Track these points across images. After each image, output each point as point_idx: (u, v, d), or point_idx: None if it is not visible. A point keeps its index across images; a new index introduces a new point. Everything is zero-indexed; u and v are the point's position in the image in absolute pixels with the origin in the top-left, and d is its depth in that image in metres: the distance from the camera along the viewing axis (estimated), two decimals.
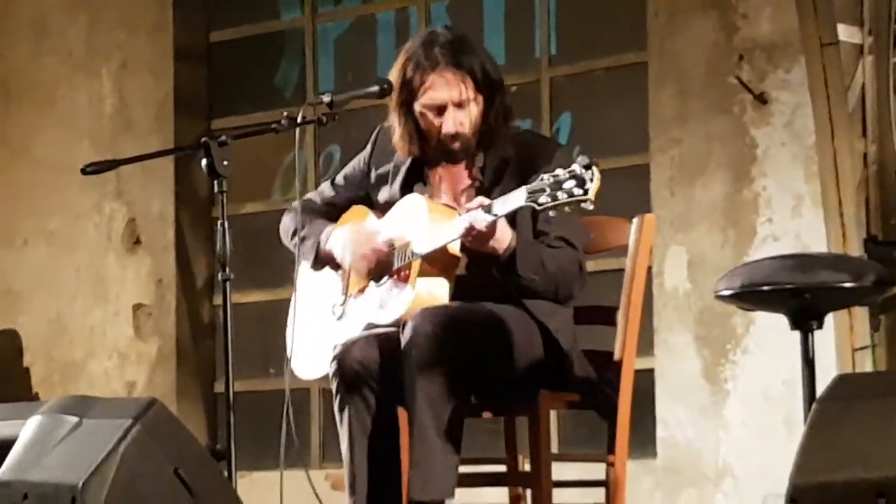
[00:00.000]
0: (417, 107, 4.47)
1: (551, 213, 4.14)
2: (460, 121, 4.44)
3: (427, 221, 4.41)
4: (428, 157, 4.56)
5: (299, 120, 4.68)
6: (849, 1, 6.24)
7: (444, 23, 7.55)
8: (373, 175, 4.66)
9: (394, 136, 4.57)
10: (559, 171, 4.07)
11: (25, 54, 8.28)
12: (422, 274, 4.41)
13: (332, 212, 4.71)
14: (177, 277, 8.01)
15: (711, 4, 6.61)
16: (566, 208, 4.07)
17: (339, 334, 4.54)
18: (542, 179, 4.09)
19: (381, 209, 4.61)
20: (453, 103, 4.43)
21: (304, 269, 4.76)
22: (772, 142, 6.48)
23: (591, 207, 4.08)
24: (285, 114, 4.72)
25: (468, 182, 4.52)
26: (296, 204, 4.75)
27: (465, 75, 4.41)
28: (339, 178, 4.76)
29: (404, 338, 4.28)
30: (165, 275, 8.01)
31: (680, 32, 6.68)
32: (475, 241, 4.26)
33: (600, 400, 4.58)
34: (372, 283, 4.56)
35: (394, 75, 4.52)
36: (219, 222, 4.59)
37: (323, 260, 4.65)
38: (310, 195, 4.79)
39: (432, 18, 7.57)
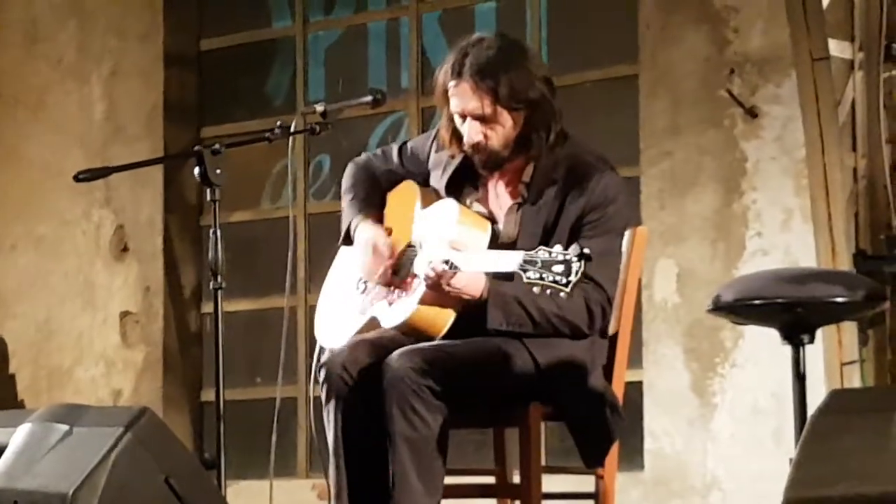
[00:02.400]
0: (452, 107, 4.47)
1: (535, 290, 4.13)
2: (482, 133, 4.40)
3: (447, 241, 4.40)
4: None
5: (292, 129, 4.69)
6: (840, 17, 6.26)
7: (434, 34, 7.58)
8: (433, 159, 4.63)
9: (441, 131, 4.55)
10: (556, 251, 4.04)
11: (15, 59, 8.27)
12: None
13: (391, 179, 4.68)
14: (164, 285, 8.00)
15: (703, 18, 6.62)
16: (547, 290, 4.07)
17: (353, 313, 4.54)
18: (539, 253, 4.07)
19: (431, 191, 4.59)
20: (472, 115, 4.41)
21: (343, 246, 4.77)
22: (762, 155, 6.49)
23: (564, 297, 4.09)
24: (278, 123, 4.73)
25: (513, 196, 4.50)
26: (364, 157, 4.75)
27: (486, 91, 4.36)
28: (407, 149, 4.71)
29: (384, 377, 4.28)
30: (153, 282, 8.01)
31: (671, 45, 6.69)
32: (434, 288, 4.29)
33: (600, 433, 4.55)
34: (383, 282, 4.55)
35: (438, 73, 4.49)
36: (211, 231, 4.60)
37: (350, 238, 4.64)
38: (377, 153, 4.75)
39: (424, 29, 7.58)
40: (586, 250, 4.03)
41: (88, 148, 7.97)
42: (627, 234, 4.73)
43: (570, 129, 4.56)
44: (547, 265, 4.03)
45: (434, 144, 4.63)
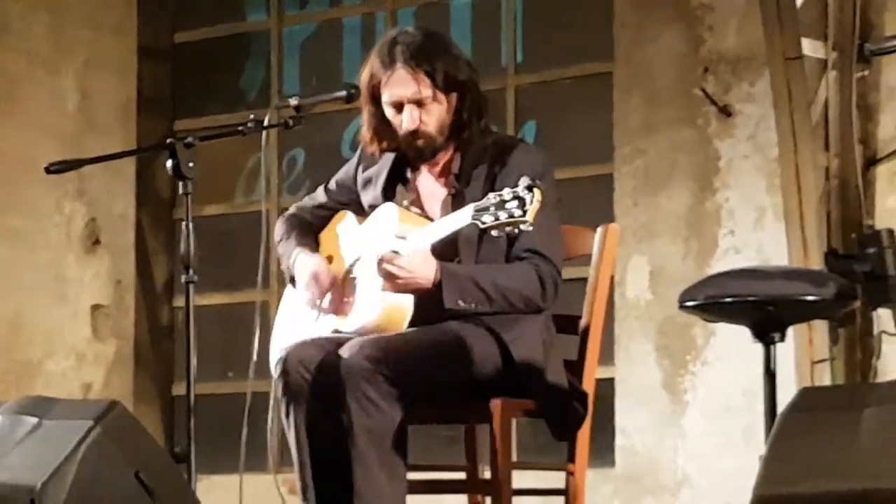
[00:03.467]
0: (383, 101, 4.51)
1: (494, 233, 4.17)
2: (419, 118, 4.46)
3: (395, 232, 4.43)
4: (408, 158, 4.58)
5: (266, 123, 4.70)
6: (813, 16, 6.27)
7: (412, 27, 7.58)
8: (360, 179, 4.67)
9: (362, 130, 4.59)
10: (505, 192, 4.10)
11: None
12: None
13: (324, 215, 4.72)
14: (136, 278, 7.99)
15: (678, 16, 6.63)
16: (507, 228, 4.10)
17: (310, 328, 4.57)
18: (488, 198, 4.13)
19: (368, 212, 4.62)
20: (410, 100, 4.46)
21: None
22: (735, 154, 6.51)
23: (529, 228, 4.11)
24: (252, 116, 4.74)
25: (445, 188, 4.54)
26: (291, 209, 4.80)
27: (423, 74, 4.43)
28: (332, 184, 4.77)
29: (342, 367, 4.29)
30: (125, 276, 7.99)
31: (646, 43, 6.70)
32: (389, 278, 4.31)
33: (567, 410, 4.57)
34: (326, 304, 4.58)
35: (363, 72, 4.56)
36: (183, 224, 4.60)
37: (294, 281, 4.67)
38: (304, 201, 4.82)
39: (399, 23, 7.57)
40: (536, 181, 4.08)
41: (61, 140, 7.94)
42: (599, 231, 4.76)
43: (546, 125, 4.62)
44: (500, 205, 4.10)
45: (360, 166, 4.67)
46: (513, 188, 4.11)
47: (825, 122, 6.30)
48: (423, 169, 4.57)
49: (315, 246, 4.68)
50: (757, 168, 6.44)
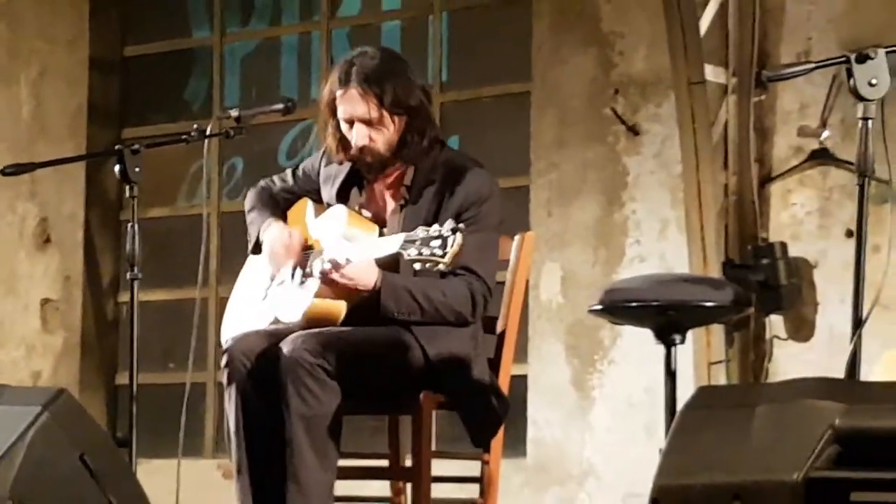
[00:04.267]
0: (339, 116, 4.50)
1: (416, 266, 4.17)
2: (369, 136, 4.45)
3: (340, 236, 4.44)
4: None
5: (208, 132, 4.68)
6: (715, 44, 6.31)
7: (343, 48, 7.57)
8: (322, 174, 4.66)
9: (327, 140, 4.59)
10: (433, 229, 4.10)
11: None
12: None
13: (288, 198, 4.71)
14: (84, 275, 7.94)
15: (591, 41, 6.66)
16: (427, 264, 4.11)
17: (255, 316, 4.57)
18: (416, 232, 4.13)
19: (325, 205, 4.63)
20: (359, 119, 4.45)
21: (250, 255, 4.78)
22: (642, 170, 6.53)
23: (444, 269, 4.13)
24: (195, 126, 4.72)
25: (397, 199, 4.54)
26: (262, 182, 4.75)
27: (372, 96, 4.42)
28: (300, 171, 4.75)
29: (281, 360, 4.29)
30: (73, 272, 7.94)
31: (561, 65, 6.72)
32: (328, 283, 4.32)
33: (486, 416, 4.57)
34: (288, 276, 4.57)
35: (324, 87, 4.56)
36: (129, 225, 4.58)
37: (259, 246, 4.66)
38: (274, 178, 4.78)
39: (333, 43, 7.57)
40: (461, 225, 4.10)
41: (15, 145, 7.89)
42: (516, 239, 4.77)
43: (468, 139, 4.61)
44: (425, 241, 4.09)
45: (323, 161, 4.67)
46: (440, 227, 4.11)
47: (725, 142, 6.34)
48: (378, 179, 4.57)
49: (284, 221, 4.67)
50: (661, 183, 6.47)
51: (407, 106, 4.45)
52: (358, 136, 4.45)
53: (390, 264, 4.38)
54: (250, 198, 4.74)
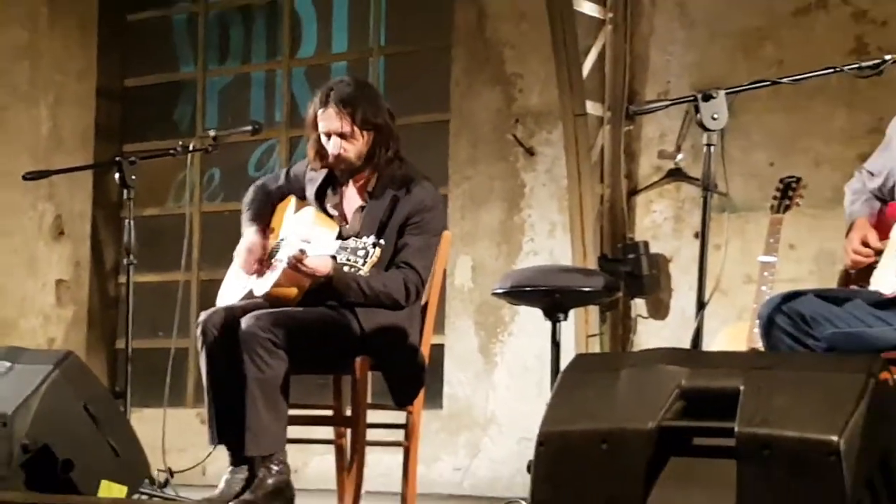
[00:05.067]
0: (319, 132, 4.50)
1: (345, 269, 4.17)
2: (343, 147, 4.44)
3: (308, 229, 4.43)
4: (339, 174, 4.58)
5: (191, 148, 4.67)
6: (595, 84, 6.34)
7: (301, 82, 7.56)
8: (307, 177, 4.66)
9: (308, 150, 4.58)
10: (360, 241, 4.11)
11: None
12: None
13: (280, 193, 4.68)
14: (90, 261, 7.89)
15: (497, 81, 6.68)
16: (350, 269, 4.12)
17: (239, 287, 4.55)
18: (348, 242, 4.13)
19: (307, 201, 4.63)
20: (336, 133, 4.44)
21: None
22: (536, 183, 6.56)
23: (364, 274, 4.13)
24: (180, 143, 4.70)
25: (360, 201, 4.54)
26: (261, 180, 4.73)
27: (346, 115, 4.42)
28: (290, 173, 4.73)
29: (240, 334, 4.27)
30: (82, 258, 7.89)
31: (473, 100, 6.74)
32: (294, 268, 4.31)
33: (409, 382, 4.57)
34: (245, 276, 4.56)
35: (310, 106, 4.54)
36: (127, 221, 4.57)
37: None
38: (269, 177, 4.76)
39: (293, 78, 7.55)
40: (381, 241, 4.11)
41: (36, 156, 7.81)
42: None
43: (404, 157, 4.61)
44: (353, 251, 4.10)
45: (309, 166, 4.66)
46: (365, 241, 4.12)
47: (601, 162, 6.37)
48: (350, 182, 4.57)
49: (267, 218, 4.63)
50: (551, 194, 6.49)
51: (374, 124, 4.45)
52: (333, 147, 4.45)
53: None
54: (249, 194, 4.70)
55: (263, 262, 4.51)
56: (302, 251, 4.28)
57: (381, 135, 4.48)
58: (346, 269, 4.10)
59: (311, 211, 4.51)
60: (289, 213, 4.62)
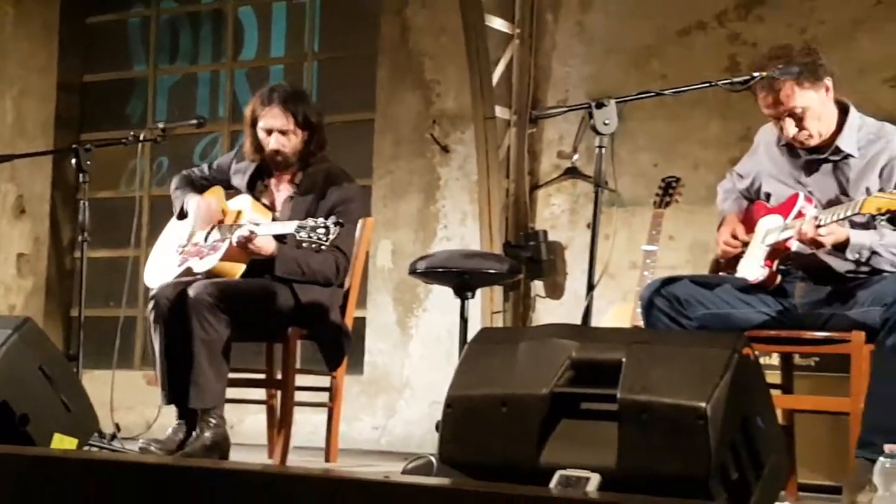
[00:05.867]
0: (258, 127, 4.49)
1: (304, 245, 4.17)
2: (282, 143, 4.46)
3: (247, 213, 4.42)
4: (268, 166, 4.57)
5: (142, 138, 4.62)
6: (503, 91, 6.35)
7: (242, 82, 7.49)
8: (233, 168, 4.64)
9: (244, 145, 4.57)
10: (320, 220, 4.12)
11: None
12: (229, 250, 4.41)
13: (204, 184, 4.68)
14: (49, 237, 7.76)
15: (417, 86, 6.67)
16: (312, 245, 4.12)
17: (172, 265, 4.52)
18: (308, 221, 4.14)
19: (234, 192, 4.60)
20: (277, 130, 4.45)
21: (173, 219, 4.72)
22: (450, 177, 6.56)
23: (325, 248, 4.13)
24: (132, 133, 4.66)
25: (288, 191, 4.53)
26: (185, 171, 4.71)
27: (289, 113, 4.43)
28: (215, 164, 4.73)
29: (189, 300, 4.25)
30: (41, 234, 7.76)
31: (396, 102, 6.72)
32: (243, 246, 4.29)
33: (337, 348, 4.57)
34: (202, 239, 4.52)
35: (248, 108, 4.54)
36: (82, 202, 4.51)
37: (183, 214, 4.60)
38: (194, 169, 4.76)
39: (236, 78, 7.49)
40: (341, 220, 4.12)
41: (1, 142, 7.68)
42: (361, 223, 4.78)
43: (330, 152, 4.62)
44: (313, 229, 4.11)
45: (235, 159, 4.65)
46: (326, 220, 4.12)
47: (507, 160, 6.39)
48: (279, 175, 4.56)
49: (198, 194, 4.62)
50: (463, 187, 6.50)
51: (312, 124, 4.48)
52: (274, 142, 4.47)
53: (279, 239, 4.39)
54: (176, 180, 4.70)
55: (212, 226, 4.50)
56: (252, 232, 4.28)
57: (314, 134, 4.50)
58: (305, 245, 4.13)
59: (247, 199, 4.50)
60: (218, 199, 4.61)
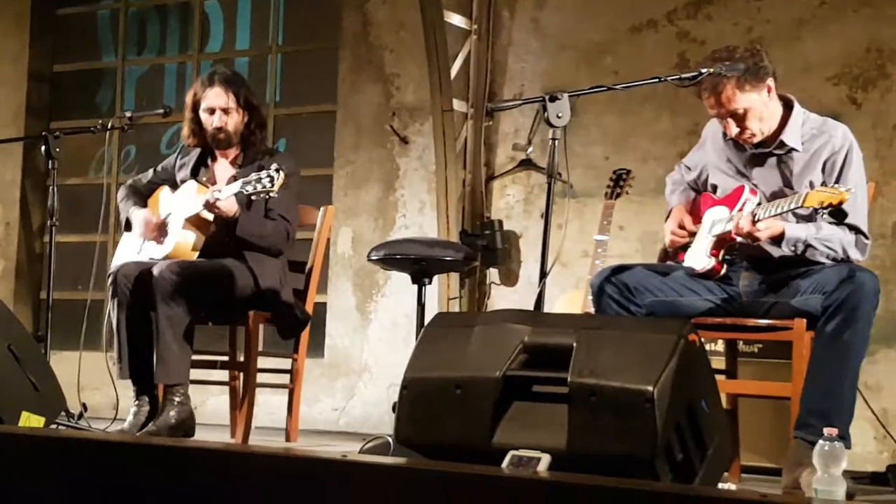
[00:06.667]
0: (200, 110, 4.50)
1: (253, 198, 4.21)
2: (224, 121, 4.49)
3: (194, 198, 4.44)
4: (210, 150, 4.58)
5: (109, 126, 4.59)
6: (461, 85, 6.34)
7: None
8: (177, 165, 4.64)
9: (183, 130, 4.59)
10: (263, 172, 4.19)
11: None
12: (186, 228, 4.42)
13: (150, 187, 4.68)
14: (19, 222, 7.67)
15: (377, 79, 6.64)
16: (261, 195, 4.17)
17: (134, 256, 4.52)
18: (252, 175, 4.21)
19: (180, 186, 4.59)
20: (220, 108, 4.48)
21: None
22: (409, 167, 6.54)
23: (274, 195, 4.14)
24: (100, 122, 4.62)
25: (231, 171, 4.55)
26: (129, 181, 4.71)
27: (230, 92, 4.47)
28: (159, 168, 4.74)
29: (154, 279, 4.23)
30: (12, 220, 7.66)
31: (357, 94, 6.69)
32: (211, 209, 4.31)
33: (292, 320, 4.57)
34: (152, 242, 4.51)
35: (189, 93, 4.57)
36: (51, 188, 4.46)
37: (128, 226, 4.59)
38: (140, 176, 4.75)
39: (201, 70, 7.41)
40: (283, 167, 4.11)
41: None
42: (322, 210, 4.75)
43: (293, 142, 4.67)
44: (259, 180, 4.14)
45: (179, 156, 4.68)
46: (266, 171, 4.17)
47: (464, 151, 6.38)
48: (220, 158, 4.57)
49: (144, 205, 4.62)
50: (422, 177, 6.49)
51: (250, 104, 4.53)
52: (217, 120, 4.51)
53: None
54: (120, 193, 4.73)
55: (159, 231, 4.50)
56: (216, 198, 4.30)
57: (254, 115, 4.55)
58: (254, 197, 4.17)
59: (192, 184, 4.52)
60: (164, 195, 4.63)
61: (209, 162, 4.59)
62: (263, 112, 4.62)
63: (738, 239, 3.67)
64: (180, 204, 4.46)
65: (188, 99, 4.55)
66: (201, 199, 4.32)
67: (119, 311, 4.32)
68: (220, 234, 4.42)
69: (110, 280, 4.34)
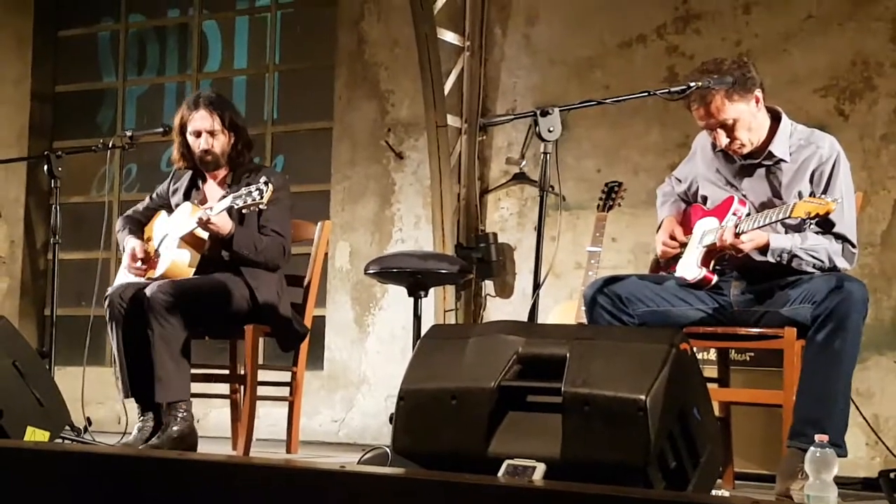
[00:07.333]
0: (187, 133, 4.50)
1: (244, 211, 4.22)
2: (211, 144, 4.48)
3: (188, 217, 4.44)
4: (200, 172, 4.58)
5: (111, 145, 4.59)
6: (455, 101, 6.35)
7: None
8: (170, 190, 4.65)
9: (173, 154, 4.59)
10: (252, 186, 4.22)
11: None
12: (181, 246, 4.42)
13: (148, 214, 4.71)
14: (24, 240, 7.67)
15: (373, 95, 6.65)
16: (251, 207, 4.19)
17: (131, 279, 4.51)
18: (242, 190, 4.22)
19: (175, 209, 4.60)
20: (206, 131, 4.48)
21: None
22: (405, 182, 6.54)
23: (263, 207, 4.17)
24: (101, 141, 4.63)
25: (221, 191, 4.54)
26: (128, 211, 4.73)
27: (216, 115, 4.46)
28: (154, 195, 4.75)
29: (147, 300, 4.23)
30: (16, 238, 7.66)
31: (353, 110, 6.70)
32: (205, 226, 4.31)
33: (290, 333, 4.56)
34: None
35: (176, 116, 4.57)
36: (54, 207, 4.46)
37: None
38: (138, 206, 4.78)
39: (201, 89, 7.42)
40: (272, 180, 4.12)
41: None
42: (319, 225, 4.75)
43: (290, 158, 4.68)
44: (248, 194, 4.17)
45: (172, 181, 4.70)
46: (255, 184, 4.20)
47: (459, 166, 6.39)
48: (210, 179, 4.56)
49: (140, 233, 4.63)
50: (417, 192, 6.49)
51: (235, 125, 4.53)
52: (203, 143, 4.50)
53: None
54: (119, 223, 4.76)
55: (149, 261, 4.51)
56: (208, 216, 4.30)
57: (240, 136, 4.55)
58: (245, 210, 4.20)
59: (186, 205, 4.53)
60: (161, 220, 4.65)
61: (200, 184, 4.60)
62: (248, 132, 4.61)
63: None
64: (175, 224, 4.47)
65: (175, 123, 4.55)
66: (195, 218, 4.32)
67: (116, 333, 4.31)
68: (216, 251, 4.42)
69: (107, 303, 4.34)
